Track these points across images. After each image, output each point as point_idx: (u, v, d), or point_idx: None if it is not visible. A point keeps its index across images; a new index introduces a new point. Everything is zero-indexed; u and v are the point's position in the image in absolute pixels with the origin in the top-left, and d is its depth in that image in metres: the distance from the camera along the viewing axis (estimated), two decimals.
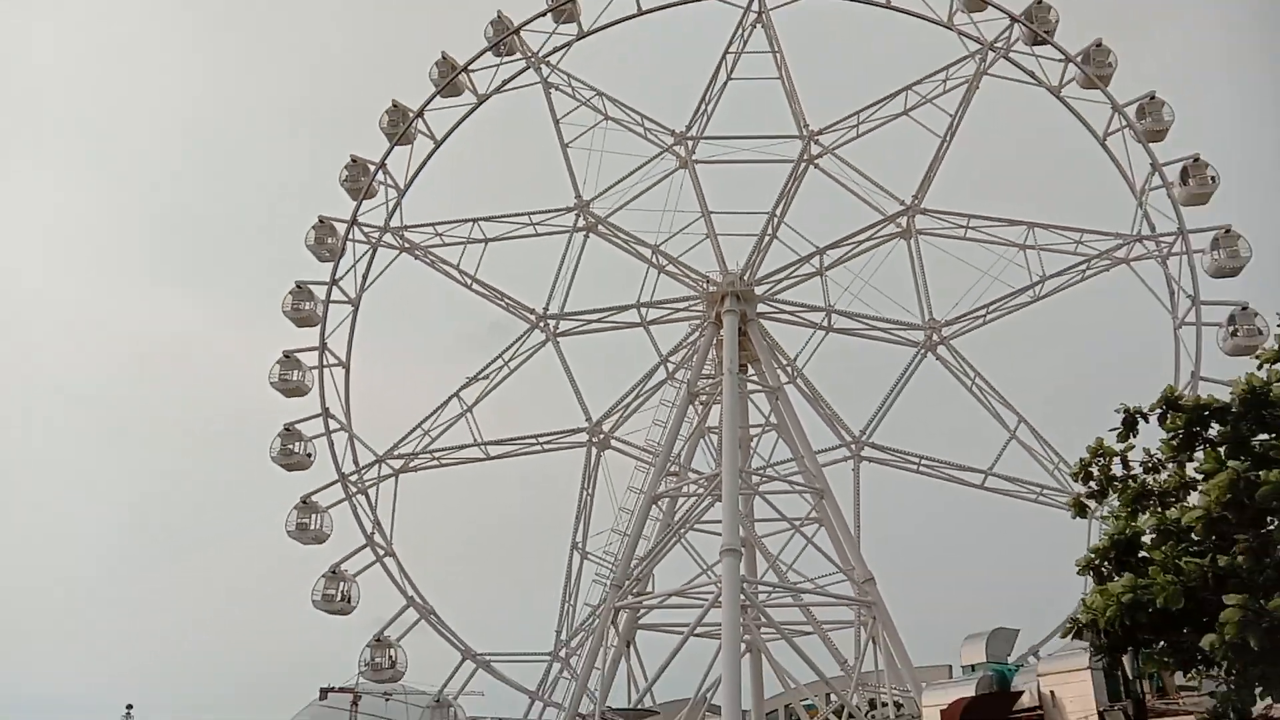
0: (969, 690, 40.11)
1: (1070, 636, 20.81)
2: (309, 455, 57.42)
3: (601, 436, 60.56)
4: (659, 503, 58.34)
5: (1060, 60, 58.71)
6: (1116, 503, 21.75)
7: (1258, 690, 18.08)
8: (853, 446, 59.86)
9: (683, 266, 60.93)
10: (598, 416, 60.57)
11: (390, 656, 53.45)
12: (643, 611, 57.67)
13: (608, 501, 59.86)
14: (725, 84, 63.33)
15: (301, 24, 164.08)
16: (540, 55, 62.97)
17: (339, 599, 54.08)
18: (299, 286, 59.48)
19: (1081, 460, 22.17)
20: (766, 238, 60.79)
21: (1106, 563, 20.57)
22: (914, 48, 64.46)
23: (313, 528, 55.59)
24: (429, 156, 62.20)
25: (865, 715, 52.24)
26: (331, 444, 57.75)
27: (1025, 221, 59.14)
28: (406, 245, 61.93)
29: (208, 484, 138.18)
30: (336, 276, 60.14)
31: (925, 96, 61.44)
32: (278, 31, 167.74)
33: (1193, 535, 18.60)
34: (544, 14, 62.86)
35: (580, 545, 60.32)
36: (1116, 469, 21.87)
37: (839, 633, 57.01)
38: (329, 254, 60.46)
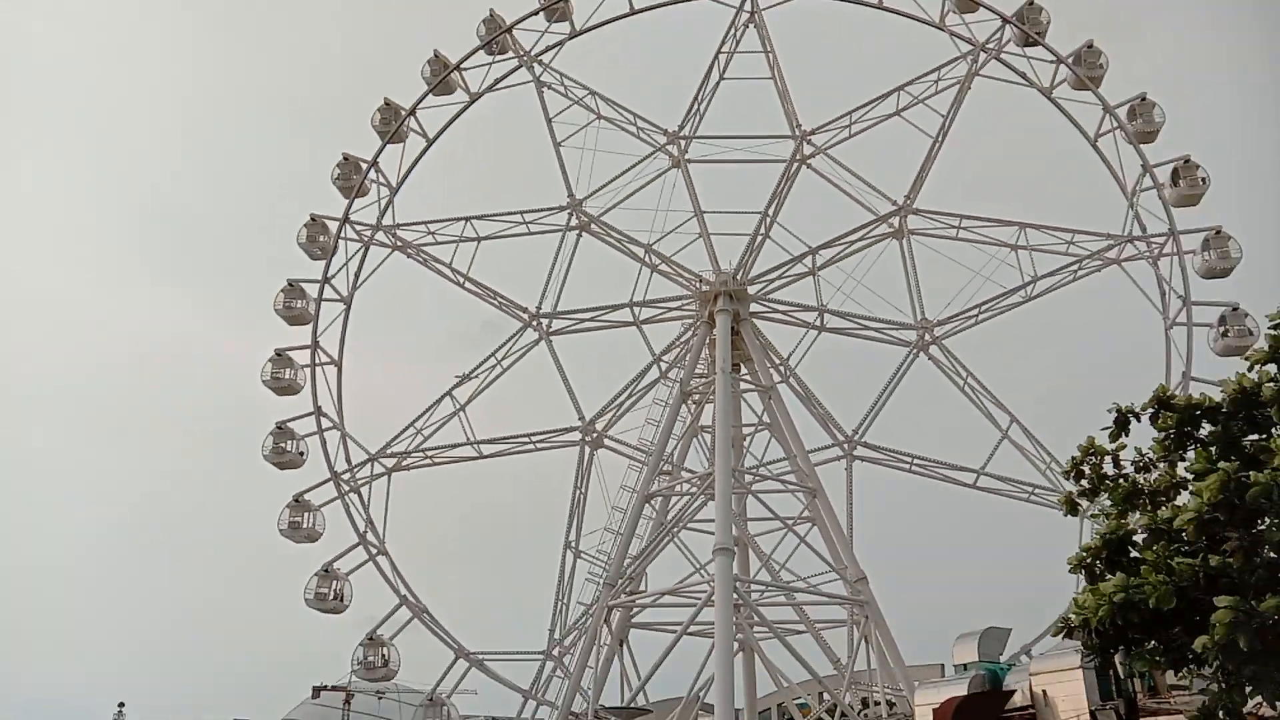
0: (961, 689, 40.20)
1: (1062, 636, 20.88)
2: (301, 454, 57.36)
3: (595, 435, 60.58)
4: (652, 501, 58.40)
5: (1052, 61, 58.88)
6: (1108, 501, 21.83)
7: (1248, 690, 18.20)
8: (845, 446, 59.99)
9: (676, 266, 60.97)
10: (591, 415, 60.60)
11: (383, 655, 53.41)
12: (636, 610, 57.68)
13: (601, 500, 60.03)
14: (718, 83, 63.40)
15: (301, 24, 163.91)
16: (533, 54, 62.96)
17: (331, 598, 54.02)
18: (291, 285, 59.37)
19: (1073, 459, 22.24)
20: (759, 237, 60.87)
21: (1098, 562, 20.64)
22: (906, 48, 64.67)
23: (305, 526, 55.49)
24: (421, 155, 62.20)
25: (858, 714, 52.29)
26: (324, 442, 57.73)
27: (1017, 222, 59.35)
28: (399, 243, 61.86)
29: (202, 483, 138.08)
30: (329, 275, 60.08)
31: (917, 97, 61.58)
32: (277, 31, 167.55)
33: (1184, 536, 18.67)
34: (536, 13, 62.88)
35: (573, 544, 60.37)
36: (1108, 468, 21.95)
37: (832, 631, 57.22)
38: (321, 252, 60.34)
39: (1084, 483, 22.23)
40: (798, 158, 62.16)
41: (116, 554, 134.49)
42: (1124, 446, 21.75)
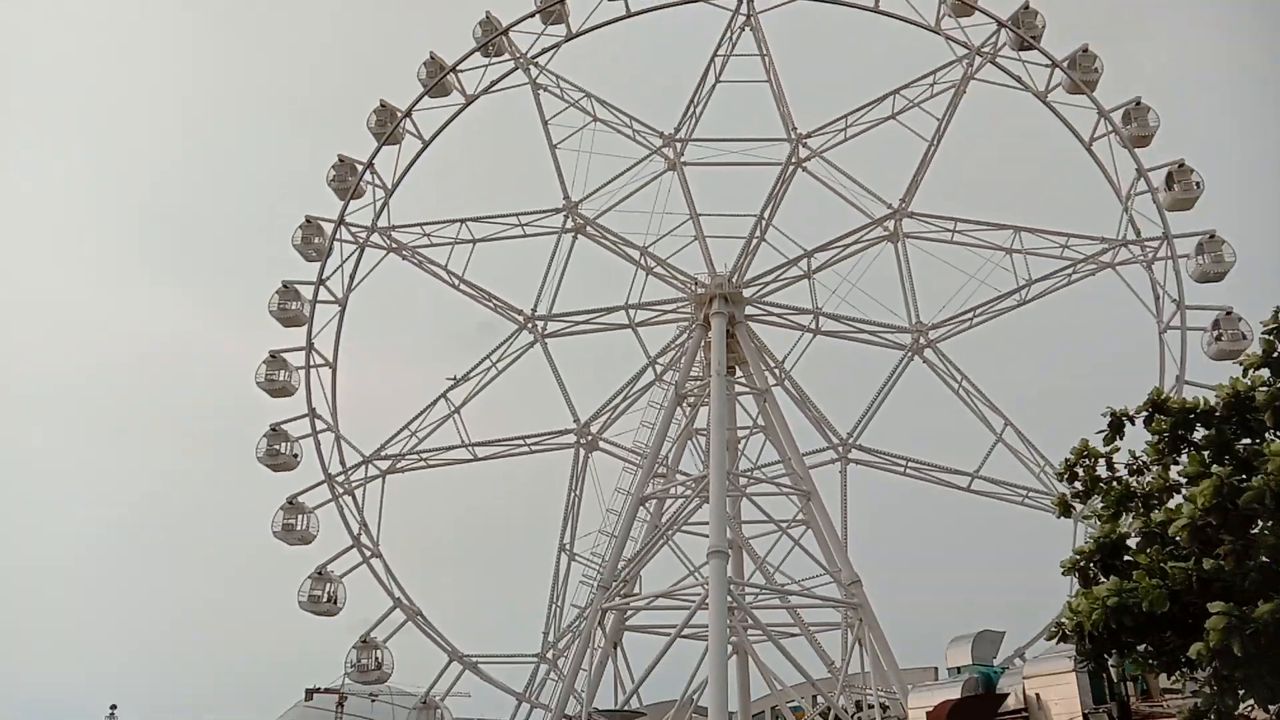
0: (954, 692, 40.23)
1: (1056, 641, 20.89)
2: (295, 456, 57.24)
3: (589, 438, 60.52)
4: (646, 504, 58.35)
5: (1047, 65, 58.96)
6: (1100, 504, 21.85)
7: (1240, 693, 18.23)
8: (840, 449, 59.98)
9: (671, 268, 60.98)
10: (586, 418, 60.52)
11: (376, 658, 53.29)
12: (630, 613, 57.65)
13: (595, 503, 59.95)
14: (714, 86, 63.35)
15: (299, 25, 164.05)
16: (529, 56, 62.93)
17: (325, 600, 53.93)
18: (285, 286, 59.26)
19: (1066, 460, 22.27)
20: (754, 240, 60.86)
21: (1092, 565, 20.66)
22: (901, 52, 64.79)
23: (299, 528, 55.40)
24: (417, 156, 62.11)
25: (851, 717, 52.32)
26: (318, 444, 57.61)
27: (1012, 225, 59.37)
28: (394, 245, 61.80)
29: (198, 484, 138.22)
30: (324, 276, 60.00)
31: (912, 100, 61.59)
32: (276, 32, 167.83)
33: (1178, 541, 18.69)
34: (533, 15, 62.81)
35: (568, 546, 60.29)
36: (1101, 470, 21.97)
37: (825, 634, 57.15)
38: (316, 254, 60.26)
39: (1077, 485, 22.25)
40: (793, 161, 62.19)
41: (113, 555, 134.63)
42: (1118, 449, 21.77)
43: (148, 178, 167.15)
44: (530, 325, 61.19)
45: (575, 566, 59.77)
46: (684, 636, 49.75)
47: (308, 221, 60.50)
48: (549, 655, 57.93)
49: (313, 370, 58.61)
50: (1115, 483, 21.64)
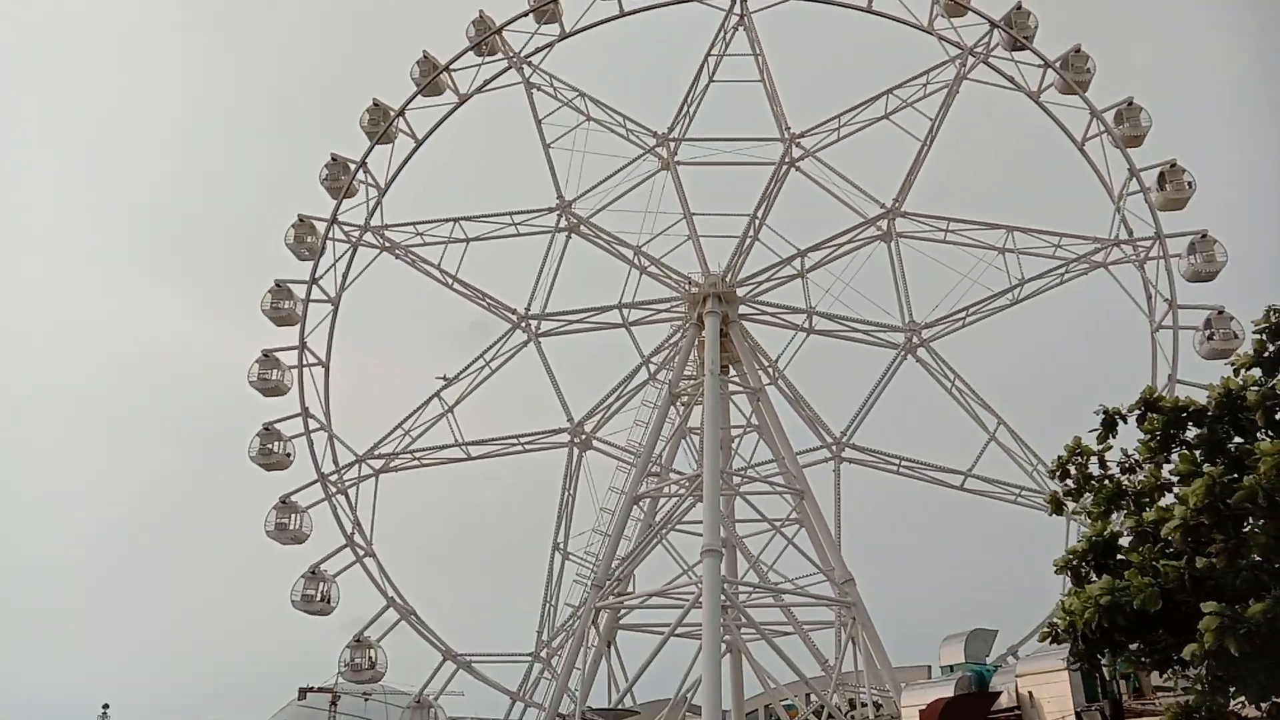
0: (948, 690, 40.35)
1: (1049, 641, 20.93)
2: (288, 455, 57.18)
3: (583, 437, 60.53)
4: (640, 503, 58.41)
5: (1039, 66, 59.12)
6: (1091, 501, 21.91)
7: (1231, 690, 18.31)
8: (833, 448, 60.05)
9: (664, 268, 61.03)
10: (579, 417, 60.53)
11: (370, 657, 53.28)
12: (623, 612, 57.71)
13: (589, 502, 59.98)
14: (707, 86, 63.42)
15: (292, 24, 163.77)
16: (522, 55, 62.88)
17: (318, 599, 53.88)
18: (278, 285, 59.18)
19: (1059, 458, 22.31)
20: (748, 240, 60.96)
21: (1084, 564, 20.72)
22: (894, 52, 64.88)
23: (292, 528, 55.30)
24: (410, 156, 62.10)
25: (845, 715, 52.41)
26: (311, 444, 57.59)
27: (1004, 225, 59.56)
28: (387, 244, 61.73)
29: (190, 483, 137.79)
30: (316, 275, 59.91)
31: (905, 100, 61.75)
32: (269, 32, 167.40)
33: (1170, 540, 18.75)
34: (526, 14, 62.74)
35: (561, 546, 60.27)
36: (1094, 468, 22.03)
37: (819, 633, 57.38)
38: (309, 253, 60.17)
39: (1069, 482, 22.30)
40: (786, 160, 62.27)
41: (106, 555, 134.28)
42: (1110, 448, 21.82)
43: (142, 177, 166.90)
44: (524, 324, 61.15)
45: (569, 565, 59.96)
46: (678, 635, 49.84)
47: (300, 220, 60.40)
48: (543, 654, 57.94)
49: (305, 369, 58.57)
50: (1107, 481, 21.69)
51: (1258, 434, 19.58)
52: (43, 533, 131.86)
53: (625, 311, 60.82)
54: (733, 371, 61.06)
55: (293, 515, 55.49)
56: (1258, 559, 17.85)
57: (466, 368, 60.26)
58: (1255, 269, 59.77)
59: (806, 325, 60.52)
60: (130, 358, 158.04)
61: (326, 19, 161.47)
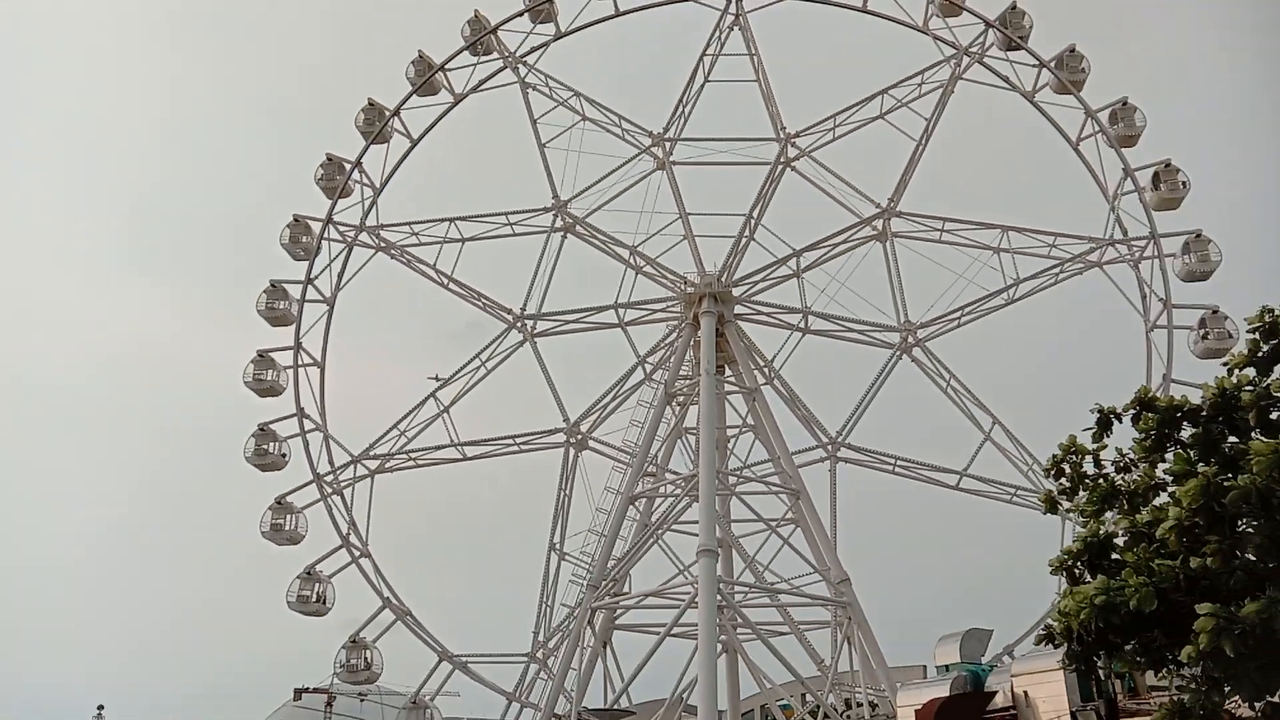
0: (943, 690, 40.32)
1: (1045, 644, 20.93)
2: (284, 455, 57.10)
3: (579, 437, 60.50)
4: (636, 503, 58.44)
5: (1034, 65, 59.22)
6: (1084, 500, 21.92)
7: (1226, 689, 18.34)
8: (829, 447, 60.04)
9: (660, 267, 61.01)
10: (575, 417, 60.49)
11: (366, 658, 53.24)
12: (619, 612, 57.74)
13: (585, 502, 59.93)
14: (702, 86, 63.43)
15: (288, 24, 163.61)
16: (517, 55, 62.88)
17: (314, 600, 53.84)
18: (273, 285, 59.13)
19: (1053, 457, 22.32)
20: (744, 239, 60.98)
21: (1079, 564, 20.73)
22: (890, 52, 64.88)
23: (287, 528, 55.24)
24: (405, 155, 62.05)
25: (840, 715, 52.43)
26: (306, 444, 57.51)
27: (1000, 225, 59.58)
28: (382, 244, 61.66)
29: (185, 484, 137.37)
30: (312, 275, 59.85)
31: (901, 100, 61.77)
32: (265, 31, 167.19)
33: (1164, 540, 18.76)
34: (521, 14, 62.78)
35: (557, 546, 60.22)
36: (1088, 467, 22.05)
37: (815, 633, 57.36)
38: (304, 253, 60.10)
39: (1063, 481, 22.32)
40: (782, 160, 62.26)
41: (102, 555, 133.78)
42: (1105, 447, 21.84)
43: (141, 177, 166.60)
44: (519, 324, 61.11)
45: (565, 566, 59.89)
46: (674, 635, 49.88)
47: (295, 220, 60.34)
48: (539, 654, 57.90)
49: (301, 370, 58.53)
50: (1102, 480, 21.71)
51: (1252, 434, 19.61)
52: (41, 532, 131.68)
53: (621, 311, 60.79)
54: (728, 371, 61.06)
55: (288, 516, 55.44)
56: (1252, 559, 17.88)
57: (462, 368, 60.28)
58: (1250, 269, 59.97)
59: (802, 325, 60.52)
60: (129, 358, 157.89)
61: (325, 19, 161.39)
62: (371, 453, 58.95)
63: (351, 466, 58.36)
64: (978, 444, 57.36)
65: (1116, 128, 57.37)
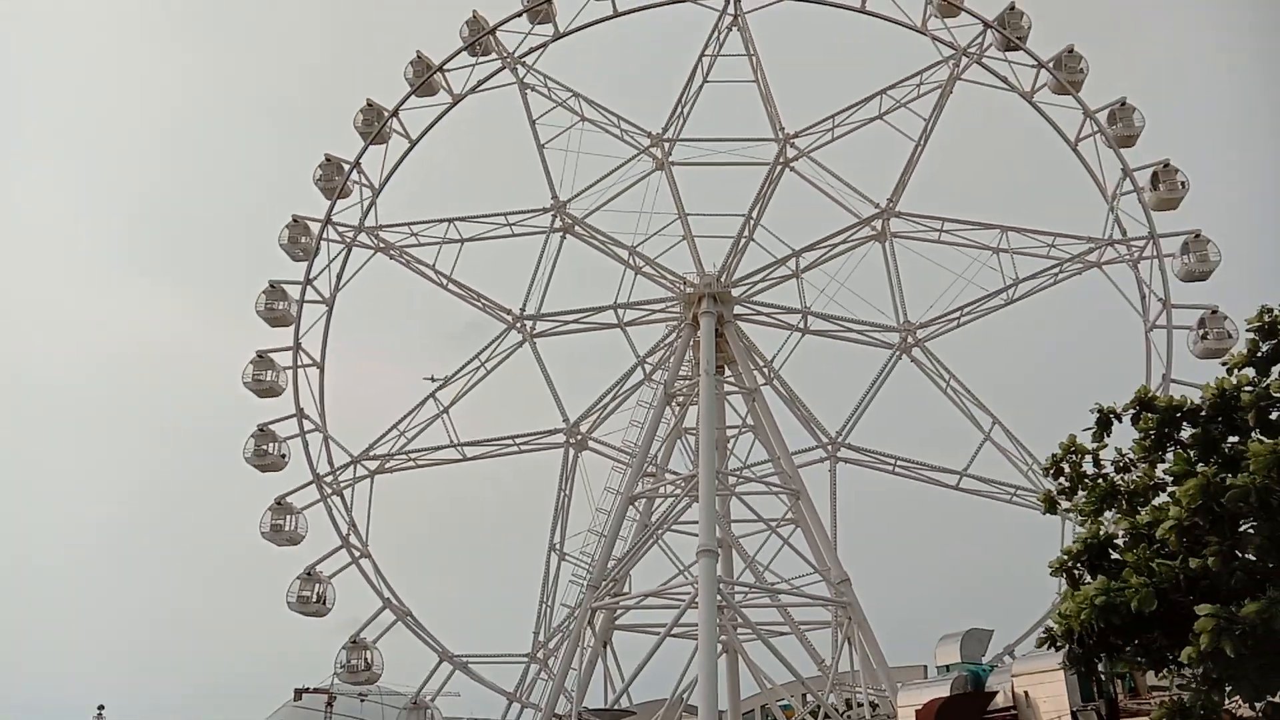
0: (944, 690, 40.34)
1: (1046, 647, 20.93)
2: (283, 456, 57.10)
3: (579, 437, 60.53)
4: (636, 503, 58.47)
5: (1032, 66, 59.22)
6: (1083, 500, 21.93)
7: (1227, 689, 18.36)
8: (829, 447, 60.10)
9: (660, 268, 61.03)
10: (575, 417, 60.52)
11: (366, 659, 53.24)
12: (620, 612, 57.77)
13: (585, 502, 59.98)
14: (701, 86, 63.41)
15: (288, 24, 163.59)
16: (516, 56, 62.88)
17: (314, 601, 53.85)
18: (272, 286, 59.12)
19: (1053, 456, 22.34)
20: (743, 240, 61.00)
21: (1079, 565, 20.75)
22: (888, 52, 64.90)
23: (287, 529, 55.25)
24: (404, 156, 62.03)
25: (841, 715, 52.45)
26: (306, 445, 57.51)
27: (999, 225, 59.62)
28: (381, 245, 61.66)
29: (185, 485, 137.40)
30: (311, 276, 59.84)
31: (899, 101, 61.76)
32: (264, 32, 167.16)
33: (1164, 541, 18.78)
34: (520, 14, 62.76)
35: (557, 546, 60.26)
36: (1088, 467, 22.06)
37: (815, 633, 57.39)
38: (303, 253, 60.10)
39: (1063, 481, 22.34)
40: (781, 160, 62.28)
41: (103, 555, 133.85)
42: (1104, 446, 21.85)
43: (141, 177, 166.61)
44: (519, 325, 61.13)
45: (565, 566, 59.97)
46: (674, 635, 49.92)
47: (294, 221, 60.33)
48: (539, 655, 57.93)
49: (300, 370, 58.53)
50: (1101, 480, 21.73)
51: (1252, 434, 19.63)
52: (41, 532, 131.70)
53: (620, 312, 60.81)
54: (728, 372, 61.08)
55: (288, 516, 55.45)
56: (1252, 559, 17.90)
57: (461, 368, 60.30)
58: (1249, 268, 60.06)
59: (801, 325, 60.55)
60: (129, 358, 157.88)
61: (325, 19, 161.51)
62: (371, 453, 58.97)
63: (351, 467, 58.39)
64: (977, 444, 57.51)
65: (1115, 128, 57.42)
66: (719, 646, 49.50)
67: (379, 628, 54.92)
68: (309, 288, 59.63)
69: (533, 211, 62.07)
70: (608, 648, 57.17)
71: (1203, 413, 20.35)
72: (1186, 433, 20.70)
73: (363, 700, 57.93)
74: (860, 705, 51.36)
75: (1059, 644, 19.91)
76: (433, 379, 59.50)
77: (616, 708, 53.84)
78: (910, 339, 59.60)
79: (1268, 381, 19.85)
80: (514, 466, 62.90)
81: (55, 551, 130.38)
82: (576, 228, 61.96)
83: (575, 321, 61.60)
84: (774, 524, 56.94)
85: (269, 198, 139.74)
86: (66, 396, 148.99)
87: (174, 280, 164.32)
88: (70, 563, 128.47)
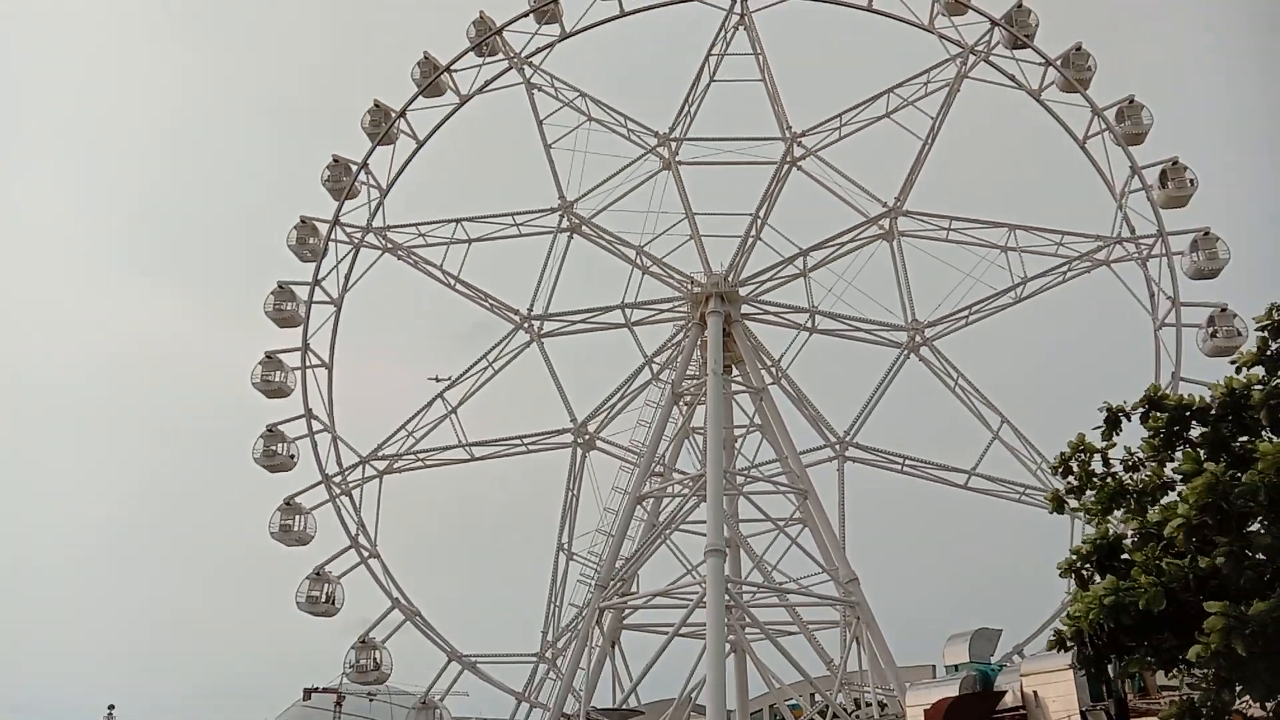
0: (952, 690, 40.28)
1: (1057, 649, 20.88)
2: (292, 456, 57.16)
3: (586, 437, 60.52)
4: (644, 503, 58.43)
5: (1040, 64, 59.04)
6: (1092, 499, 21.88)
7: (1237, 689, 18.31)
8: (837, 447, 59.99)
9: (667, 267, 61.01)
10: (583, 417, 60.54)
11: (375, 658, 53.30)
12: (627, 612, 57.74)
13: (593, 502, 60.02)
14: (708, 86, 63.46)
15: (291, 24, 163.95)
16: (523, 56, 62.89)
17: (323, 601, 53.90)
18: (281, 287, 59.20)
19: (1061, 455, 22.30)
20: (750, 239, 60.94)
21: (1088, 565, 20.69)
22: (895, 51, 64.82)
23: (296, 529, 55.33)
24: (411, 157, 62.06)
25: (849, 715, 52.41)
26: (315, 445, 57.52)
27: (1006, 223, 59.49)
28: (389, 245, 61.73)
29: (193, 485, 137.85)
30: (319, 277, 59.92)
31: (907, 99, 61.70)
32: (267, 32, 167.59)
33: (1174, 539, 18.72)
34: (526, 15, 62.76)
35: (566, 546, 60.29)
36: (1096, 465, 22.00)
37: (823, 633, 57.27)
38: (311, 254, 60.20)
39: (1071, 479, 22.29)
40: (788, 160, 62.26)
41: (110, 555, 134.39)
42: (1114, 445, 21.80)
43: (141, 177, 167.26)
44: (526, 325, 61.16)
45: (573, 566, 59.95)
46: (682, 635, 49.81)
47: (302, 222, 60.43)
48: (548, 654, 57.95)
49: (309, 371, 58.57)
50: (1110, 479, 21.67)
51: (1262, 433, 19.57)
52: (41, 532, 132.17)
53: (628, 312, 60.80)
54: (735, 371, 61.05)
55: (297, 517, 55.54)
56: (1261, 558, 17.83)
57: (469, 368, 60.36)
58: (1258, 266, 59.75)
59: (809, 324, 60.47)
60: (129, 358, 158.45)
61: (326, 19, 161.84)
62: (380, 453, 59.03)
63: (360, 467, 58.45)
64: (986, 443, 57.37)
65: (1123, 125, 57.25)
66: (727, 646, 49.42)
67: (388, 627, 54.98)
68: (317, 288, 59.71)
69: (540, 211, 62.13)
70: (616, 647, 57.14)
71: (1213, 411, 20.30)
72: (1196, 432, 20.65)
73: (372, 700, 58.04)
74: (869, 705, 51.30)
75: (1069, 645, 19.86)
76: (436, 379, 59.64)
77: (625, 707, 53.79)
78: (918, 338, 59.51)
79: (1277, 380, 19.79)
80: (522, 466, 63.06)
81: (55, 551, 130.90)
82: (584, 227, 61.97)
83: (583, 321, 61.62)
84: (782, 523, 56.91)
85: (269, 198, 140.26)
86: (66, 396, 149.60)
87: (174, 280, 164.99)
88: (70, 563, 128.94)
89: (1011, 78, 59.86)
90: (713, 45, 63.24)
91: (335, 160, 61.31)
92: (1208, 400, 20.59)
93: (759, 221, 61.24)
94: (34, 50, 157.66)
